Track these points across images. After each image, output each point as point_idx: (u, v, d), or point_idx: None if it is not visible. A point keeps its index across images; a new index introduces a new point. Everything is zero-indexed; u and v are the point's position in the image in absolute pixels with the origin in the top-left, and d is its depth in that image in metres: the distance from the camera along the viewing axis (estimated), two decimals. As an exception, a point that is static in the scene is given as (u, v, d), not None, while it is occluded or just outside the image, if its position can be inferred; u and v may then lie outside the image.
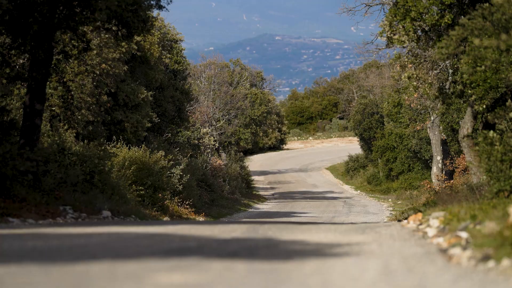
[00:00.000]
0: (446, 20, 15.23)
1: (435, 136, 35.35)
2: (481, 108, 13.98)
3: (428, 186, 33.48)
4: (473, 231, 7.67)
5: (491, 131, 12.00)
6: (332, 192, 50.68)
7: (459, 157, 33.96)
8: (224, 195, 40.47)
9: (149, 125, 28.57)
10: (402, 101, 44.12)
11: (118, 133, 27.19)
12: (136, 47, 27.40)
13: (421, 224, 10.89)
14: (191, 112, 41.00)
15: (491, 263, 5.07)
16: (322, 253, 6.16)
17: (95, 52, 23.35)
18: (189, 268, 4.81)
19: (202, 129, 40.68)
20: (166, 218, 23.60)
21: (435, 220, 10.17)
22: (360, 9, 31.82)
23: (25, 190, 15.09)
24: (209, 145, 40.87)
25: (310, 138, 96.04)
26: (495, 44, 5.97)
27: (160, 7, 16.42)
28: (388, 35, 15.86)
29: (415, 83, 16.86)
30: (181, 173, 28.78)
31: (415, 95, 30.92)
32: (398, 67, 17.77)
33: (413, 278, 4.44)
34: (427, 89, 16.85)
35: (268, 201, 45.17)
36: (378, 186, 51.69)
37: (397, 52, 17.10)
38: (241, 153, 56.58)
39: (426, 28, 15.80)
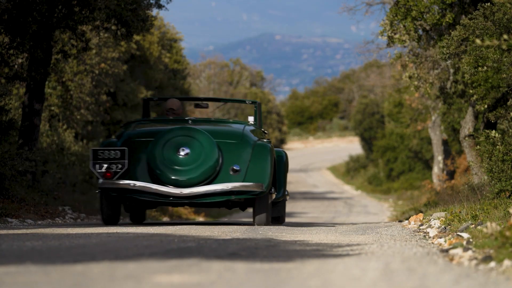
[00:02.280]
0: (447, 20, 15.22)
1: (436, 136, 35.34)
2: (482, 108, 13.96)
3: (429, 186, 33.46)
4: (474, 231, 7.65)
5: (493, 131, 11.97)
6: (332, 192, 50.73)
7: (460, 157, 33.94)
8: (224, 195, 40.41)
9: (149, 125, 28.55)
10: (403, 101, 44.14)
11: (117, 133, 27.19)
12: (135, 47, 27.38)
13: (422, 224, 10.87)
14: (191, 111, 40.98)
15: (492, 264, 5.04)
16: (323, 254, 6.14)
17: (94, 51, 23.34)
18: (189, 269, 4.79)
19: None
20: (165, 218, 23.57)
21: (436, 221, 10.15)
22: (361, 8, 31.80)
23: (24, 190, 15.08)
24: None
25: (311, 138, 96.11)
26: (497, 43, 5.93)
27: (160, 6, 16.40)
28: (389, 34, 15.84)
29: (416, 83, 16.84)
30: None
31: (416, 95, 30.89)
32: (399, 67, 17.77)
33: (414, 279, 4.41)
34: (428, 89, 16.83)
35: (268, 201, 45.12)
36: (379, 186, 51.73)
37: (398, 52, 17.09)
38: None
39: (427, 28, 15.78)
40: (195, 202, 10.30)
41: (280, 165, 11.36)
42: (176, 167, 10.04)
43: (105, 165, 10.11)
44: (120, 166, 10.10)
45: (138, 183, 10.09)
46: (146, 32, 17.84)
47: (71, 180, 18.52)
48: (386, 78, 57.20)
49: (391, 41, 15.97)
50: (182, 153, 10.07)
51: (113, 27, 16.00)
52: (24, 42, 15.22)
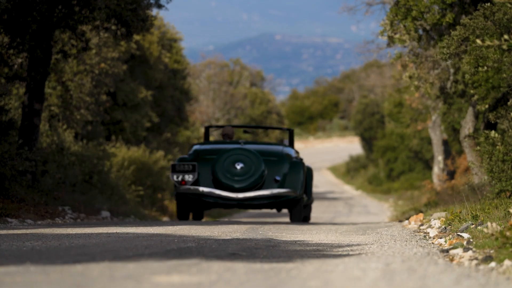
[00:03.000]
0: (447, 20, 15.21)
1: (436, 136, 35.31)
2: (483, 108, 13.95)
3: (429, 186, 33.43)
4: (475, 231, 7.65)
5: (493, 131, 11.97)
6: (332, 192, 50.67)
7: (461, 157, 33.92)
8: (224, 195, 40.35)
9: (149, 124, 28.54)
10: (403, 101, 44.13)
11: (117, 133, 27.16)
12: (135, 46, 27.37)
13: (422, 224, 10.88)
14: (191, 111, 40.96)
15: (492, 264, 5.05)
16: (323, 254, 6.13)
17: (94, 51, 23.33)
18: (189, 269, 4.78)
19: (202, 129, 40.66)
20: (165, 219, 23.58)
21: (436, 221, 10.14)
22: (361, 8, 31.74)
23: (24, 190, 15.07)
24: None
25: (311, 138, 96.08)
26: (497, 43, 5.93)
27: (160, 6, 16.39)
28: (389, 34, 15.84)
29: (416, 83, 16.83)
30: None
31: (416, 95, 30.86)
32: (399, 67, 17.77)
33: (415, 279, 4.41)
34: (428, 89, 16.82)
35: (268, 201, 45.06)
36: (379, 186, 51.66)
37: (398, 52, 17.08)
38: (241, 153, 56.40)
39: (427, 28, 15.77)
40: (247, 203, 13.70)
41: (309, 177, 14.66)
42: (234, 177, 13.33)
43: (181, 176, 13.47)
44: (191, 176, 13.41)
45: (206, 189, 13.43)
46: (146, 32, 17.83)
47: (71, 180, 18.50)
48: (386, 78, 57.16)
49: (391, 41, 15.96)
50: (238, 167, 13.35)
51: (113, 27, 15.98)
52: (24, 42, 15.21)
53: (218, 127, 16.56)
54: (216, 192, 13.43)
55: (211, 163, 13.54)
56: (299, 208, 13.99)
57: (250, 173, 13.35)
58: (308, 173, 14.64)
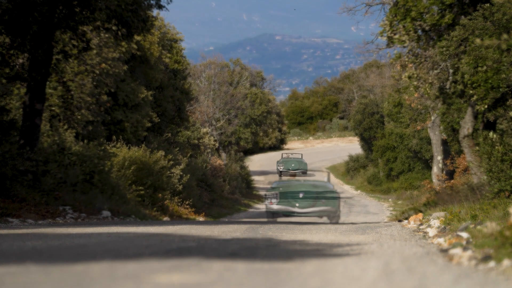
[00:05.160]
0: (446, 20, 15.21)
1: (436, 136, 35.29)
2: (482, 108, 13.95)
3: (429, 186, 33.45)
4: (474, 231, 7.66)
5: (492, 132, 11.98)
6: (332, 192, 50.48)
7: (460, 157, 33.91)
8: (224, 195, 40.46)
9: (149, 125, 28.54)
10: (402, 101, 44.10)
11: (118, 133, 27.15)
12: (136, 47, 27.36)
13: (421, 224, 10.89)
14: (191, 112, 40.94)
15: (492, 264, 5.05)
16: (323, 253, 6.14)
17: (95, 51, 23.32)
18: (189, 269, 4.80)
19: (202, 129, 40.67)
20: (166, 218, 23.59)
21: (435, 220, 10.16)
22: (361, 8, 31.77)
23: (25, 190, 15.07)
24: (209, 145, 40.83)
25: (310, 138, 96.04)
26: (497, 42, 5.95)
27: (160, 7, 16.41)
28: (389, 34, 15.85)
29: (415, 83, 16.84)
30: (181, 173, 28.73)
31: (416, 95, 30.85)
32: (398, 67, 17.80)
33: (414, 278, 4.42)
34: (427, 89, 16.83)
35: (268, 201, 44.96)
36: (379, 186, 51.63)
37: (398, 52, 17.09)
38: (241, 153, 56.53)
39: (427, 28, 15.78)
40: (306, 215, 22.24)
41: (339, 199, 22.73)
42: (298, 199, 22.21)
43: (269, 199, 22.45)
44: (275, 200, 22.42)
45: (283, 207, 22.29)
46: (146, 33, 17.84)
47: (71, 180, 18.51)
48: (386, 78, 57.10)
49: (390, 41, 15.98)
50: (300, 194, 22.30)
51: (114, 28, 15.99)
52: (25, 42, 15.22)
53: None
54: (290, 208, 22.28)
55: (286, 192, 22.34)
56: (336, 217, 22.37)
57: (307, 198, 22.11)
58: (338, 197, 22.88)
